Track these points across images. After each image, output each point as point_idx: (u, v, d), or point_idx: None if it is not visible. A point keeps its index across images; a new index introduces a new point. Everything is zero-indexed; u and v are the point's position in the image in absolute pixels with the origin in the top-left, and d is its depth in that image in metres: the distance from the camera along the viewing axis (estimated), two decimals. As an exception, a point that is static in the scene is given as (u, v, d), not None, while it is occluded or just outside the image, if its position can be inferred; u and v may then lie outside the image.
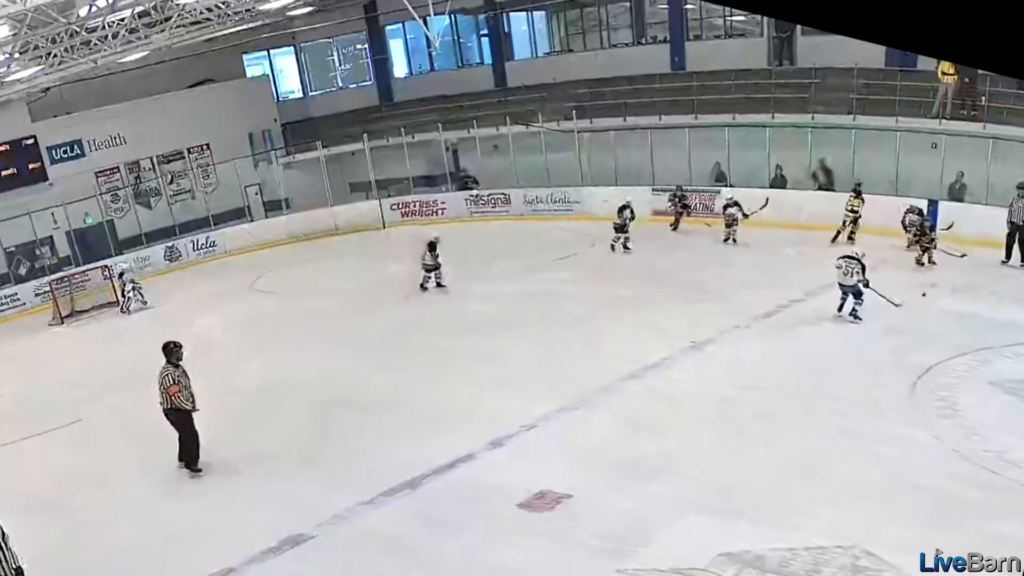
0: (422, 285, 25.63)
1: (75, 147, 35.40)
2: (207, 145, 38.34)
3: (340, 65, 43.73)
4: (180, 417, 15.47)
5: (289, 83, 43.52)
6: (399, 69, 42.81)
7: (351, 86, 43.24)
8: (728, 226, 26.13)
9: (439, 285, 25.69)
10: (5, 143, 33.14)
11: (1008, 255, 22.02)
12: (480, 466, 14.60)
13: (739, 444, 14.12)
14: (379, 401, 17.64)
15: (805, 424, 14.60)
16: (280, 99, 42.48)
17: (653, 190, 31.02)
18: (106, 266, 31.03)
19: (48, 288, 30.08)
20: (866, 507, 11.85)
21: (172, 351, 15.58)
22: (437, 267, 25.58)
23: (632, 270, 21.90)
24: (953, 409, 14.63)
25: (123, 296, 28.89)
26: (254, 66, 42.31)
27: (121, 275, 29.40)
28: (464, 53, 41.04)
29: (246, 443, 15.74)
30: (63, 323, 28.96)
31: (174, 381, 15.35)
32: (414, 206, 36.68)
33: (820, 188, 28.51)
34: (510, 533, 12.37)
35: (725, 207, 26.01)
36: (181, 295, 30.17)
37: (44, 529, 13.90)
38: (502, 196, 34.94)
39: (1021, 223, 21.73)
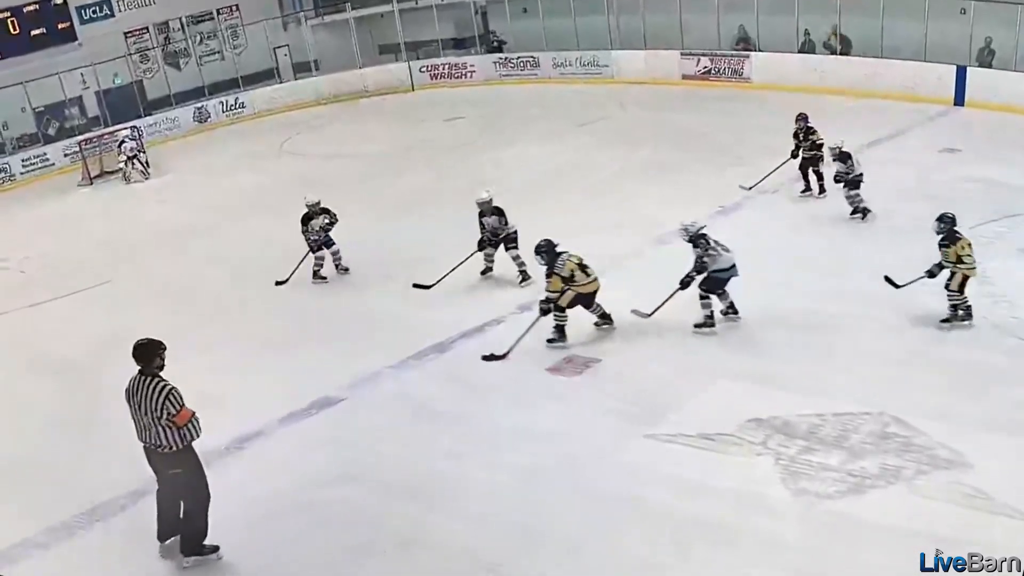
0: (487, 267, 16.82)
1: (104, 7, 34.77)
2: (236, 6, 37.61)
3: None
4: (191, 461, 9.17)
5: (318, -58, 42.60)
6: (429, -72, 41.73)
7: (380, -54, 42.19)
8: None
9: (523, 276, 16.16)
10: (34, 2, 32.52)
11: None
12: (508, 329, 14.28)
13: (768, 310, 13.78)
14: (408, 264, 17.35)
15: (832, 291, 14.30)
16: (311, -42, 41.60)
17: (682, 54, 30.41)
18: (135, 126, 30.63)
19: (77, 148, 29.84)
20: (895, 374, 11.63)
21: (147, 354, 8.93)
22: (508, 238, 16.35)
23: (659, 133, 21.40)
24: (982, 275, 14.29)
25: (126, 164, 28.25)
26: (285, -77, 41.44)
27: (120, 144, 28.74)
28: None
29: (277, 306, 15.55)
30: (92, 183, 28.70)
31: (177, 402, 8.86)
32: (443, 69, 36.12)
33: (836, 54, 27.92)
34: (538, 397, 12.21)
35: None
36: (210, 156, 30.10)
37: (72, 391, 13.83)
38: (531, 59, 34.29)
39: None
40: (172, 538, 9.50)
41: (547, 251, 13.25)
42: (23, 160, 31.02)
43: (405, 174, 23.56)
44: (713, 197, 18.82)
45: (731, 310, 13.64)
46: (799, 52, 28.55)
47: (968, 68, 24.62)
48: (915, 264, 13.51)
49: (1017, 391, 11.03)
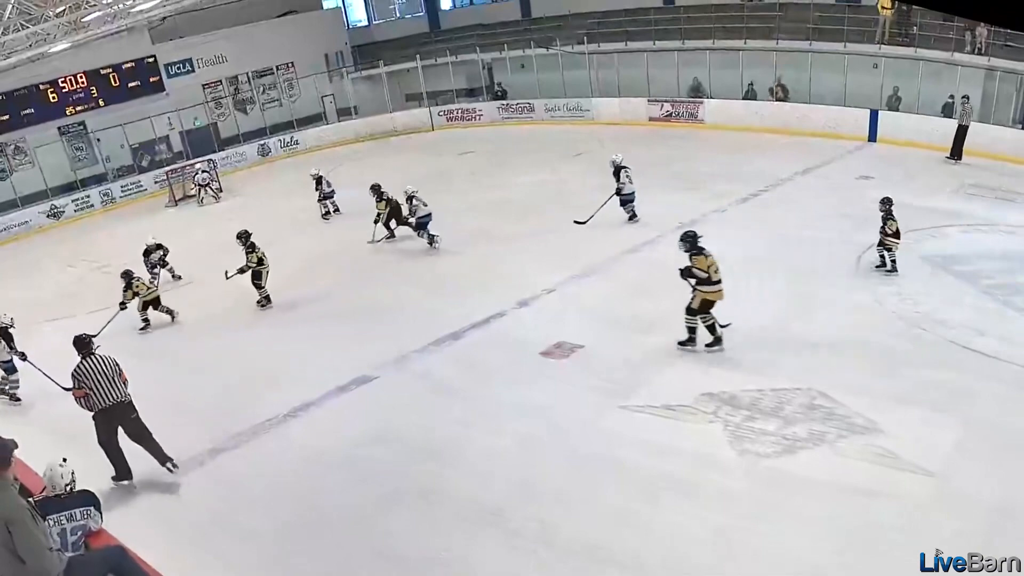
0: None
1: (187, 64, 35.18)
2: (291, 63, 37.73)
3: (398, -1, 43.12)
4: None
5: (357, 13, 42.91)
6: (445, 2, 41.64)
7: (407, 16, 42.17)
8: None
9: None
10: (131, 61, 33.13)
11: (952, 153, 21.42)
12: (509, 321, 14.33)
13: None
14: (428, 268, 17.32)
15: (771, 290, 14.21)
16: (350, 26, 42.05)
17: (649, 100, 30.29)
18: (210, 159, 30.91)
19: (165, 177, 30.19)
20: (822, 358, 11.60)
21: (87, 344, 10.17)
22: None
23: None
24: (890, 278, 14.27)
25: (199, 191, 28.70)
26: (329, -1, 41.74)
27: (196, 175, 29.11)
28: (498, -11, 40.13)
29: (321, 301, 15.48)
30: (176, 205, 29.08)
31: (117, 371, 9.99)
32: (457, 112, 35.94)
33: (778, 100, 27.83)
34: (533, 376, 12.14)
35: None
36: (270, 183, 30.06)
37: (157, 368, 13.82)
38: (527, 105, 34.08)
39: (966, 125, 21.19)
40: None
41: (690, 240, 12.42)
42: (122, 186, 31.36)
43: (426, 198, 23.41)
44: (672, 214, 18.67)
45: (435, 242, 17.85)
46: (743, 99, 28.44)
47: (879, 111, 24.59)
48: (841, 268, 13.54)
49: (920, 371, 11.02)
